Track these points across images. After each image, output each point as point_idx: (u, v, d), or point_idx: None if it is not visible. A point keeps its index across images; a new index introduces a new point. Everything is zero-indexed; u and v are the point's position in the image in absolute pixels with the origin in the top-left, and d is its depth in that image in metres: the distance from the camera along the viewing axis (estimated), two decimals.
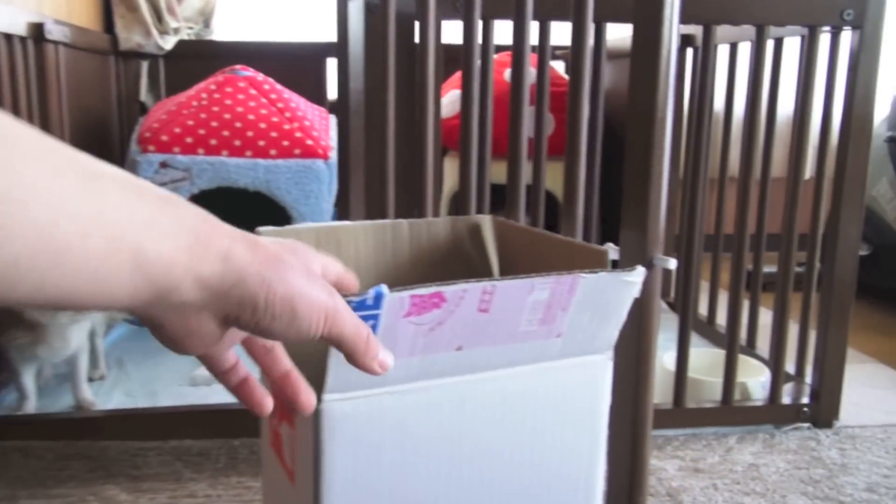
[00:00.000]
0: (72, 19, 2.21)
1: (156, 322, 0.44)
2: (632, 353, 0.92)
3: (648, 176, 0.88)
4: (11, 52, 1.62)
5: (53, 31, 1.82)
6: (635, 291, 0.64)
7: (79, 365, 1.48)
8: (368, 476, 0.60)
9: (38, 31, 1.75)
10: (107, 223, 0.38)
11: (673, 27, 0.89)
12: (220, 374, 0.51)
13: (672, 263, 0.87)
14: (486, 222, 0.87)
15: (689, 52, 2.07)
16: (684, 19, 1.63)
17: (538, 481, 0.67)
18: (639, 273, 0.63)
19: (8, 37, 1.60)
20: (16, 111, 1.59)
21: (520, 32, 1.11)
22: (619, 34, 2.15)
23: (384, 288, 0.53)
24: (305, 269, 0.46)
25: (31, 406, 1.43)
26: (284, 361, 0.53)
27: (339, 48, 1.31)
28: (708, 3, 1.32)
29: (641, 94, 0.89)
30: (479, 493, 0.65)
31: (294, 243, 0.50)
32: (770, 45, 1.51)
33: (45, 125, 1.81)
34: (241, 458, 1.28)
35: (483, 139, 1.33)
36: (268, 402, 0.52)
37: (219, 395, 1.55)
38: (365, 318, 0.52)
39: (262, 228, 0.77)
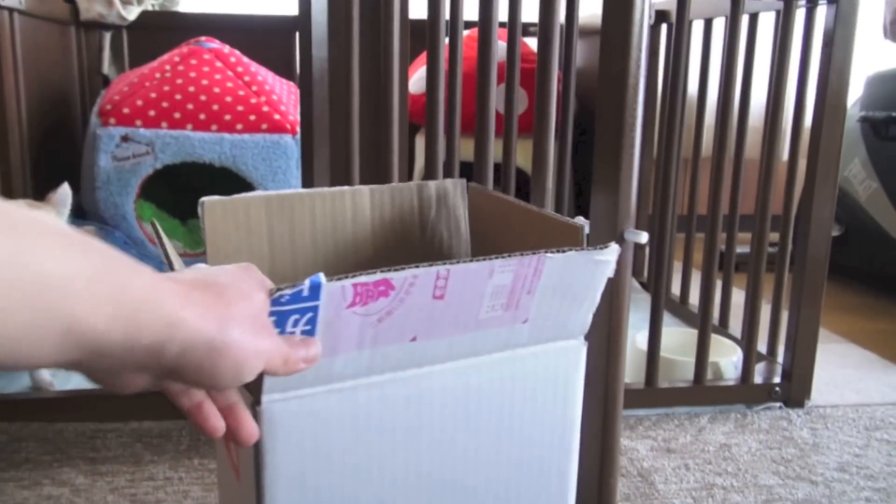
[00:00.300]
0: None
1: (82, 370, 0.41)
2: (602, 332, 0.90)
3: (619, 147, 0.85)
4: None
5: (9, 0, 1.75)
6: (609, 271, 0.61)
7: None
8: (316, 476, 0.56)
9: None
10: (37, 293, 0.36)
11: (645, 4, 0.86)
12: (171, 396, 0.49)
13: (644, 237, 0.85)
14: (458, 188, 0.83)
15: (664, 28, 2.04)
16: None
17: (507, 477, 0.64)
18: (612, 251, 0.60)
19: None
20: None
21: (487, 6, 1.07)
22: (591, 11, 2.12)
23: (321, 277, 0.49)
24: (252, 315, 0.45)
25: None
26: (231, 395, 0.50)
27: (302, 14, 1.27)
28: None
29: (613, 63, 0.86)
30: (441, 492, 0.61)
31: (246, 271, 0.48)
32: (745, 20, 1.49)
33: (1, 96, 1.74)
34: (204, 441, 1.24)
35: (452, 115, 1.29)
36: (220, 426, 0.49)
37: None
38: (301, 311, 0.49)
39: (207, 199, 0.73)
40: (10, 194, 1.75)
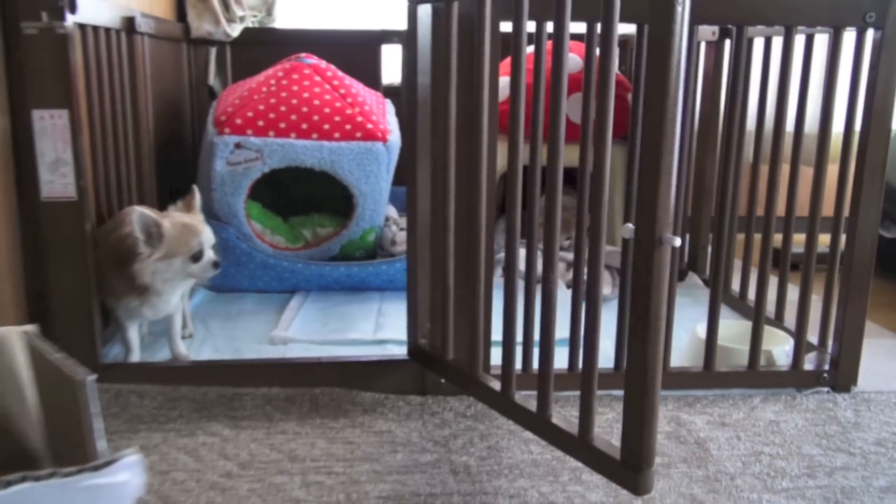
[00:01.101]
0: (152, 10, 2.40)
1: None
2: (642, 321, 1.04)
3: (658, 160, 1.00)
4: (109, 43, 1.80)
5: (142, 24, 2.01)
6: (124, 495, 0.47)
7: (174, 323, 1.68)
8: None
9: (129, 24, 1.94)
10: None
11: (683, 28, 1.01)
12: None
13: (677, 241, 1.00)
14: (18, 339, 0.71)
15: (727, 43, 2.19)
16: (719, 20, 1.76)
17: None
18: (121, 469, 0.44)
19: (107, 30, 1.78)
20: (112, 97, 1.78)
21: (560, 30, 1.25)
22: None
23: None
24: None
25: (135, 357, 1.64)
26: None
27: (408, 46, 1.49)
28: (740, 5, 1.46)
29: (653, 88, 1.01)
30: None
31: None
32: (801, 40, 1.64)
33: (135, 109, 2.00)
34: (322, 405, 1.47)
35: (535, 124, 1.48)
36: None
37: (296, 351, 1.75)
38: None
39: None
40: (143, 197, 2.03)
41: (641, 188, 1.03)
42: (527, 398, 1.29)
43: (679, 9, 0.97)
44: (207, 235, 1.56)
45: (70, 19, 1.37)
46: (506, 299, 1.34)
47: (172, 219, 1.53)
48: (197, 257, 1.53)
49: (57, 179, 1.41)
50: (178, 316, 1.70)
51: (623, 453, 1.09)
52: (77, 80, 1.41)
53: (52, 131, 1.39)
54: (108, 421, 1.41)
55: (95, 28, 1.64)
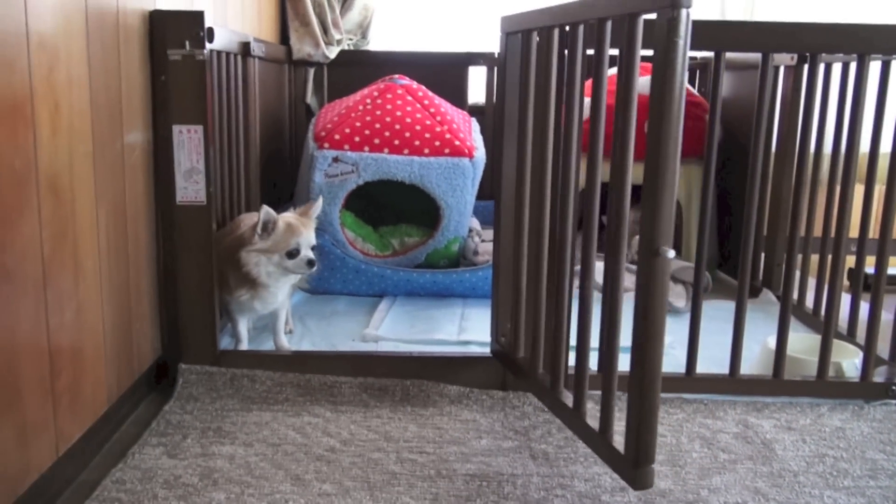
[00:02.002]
0: (262, 35, 2.63)
1: None
2: (640, 330, 1.13)
3: (658, 180, 1.08)
4: (227, 66, 2.01)
5: (255, 48, 2.23)
6: None
7: (279, 318, 1.87)
8: None
9: (245, 48, 2.15)
10: None
11: (685, 59, 1.10)
12: None
13: (671, 253, 1.08)
14: None
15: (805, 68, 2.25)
16: (794, 48, 1.85)
17: None
18: None
19: (228, 55, 1.99)
20: (228, 113, 1.99)
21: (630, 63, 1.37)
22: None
23: None
24: None
25: (244, 347, 1.83)
26: None
27: (500, 71, 1.63)
28: (815, 35, 1.54)
29: (656, 112, 1.09)
30: None
31: None
32: (876, 66, 1.71)
33: (247, 125, 2.21)
34: (413, 395, 1.62)
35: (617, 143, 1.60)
36: None
37: (386, 349, 1.91)
38: None
39: None
40: (250, 205, 2.23)
41: (644, 205, 1.11)
42: (568, 396, 1.39)
43: (681, 42, 1.07)
44: (307, 237, 1.73)
45: (207, 47, 1.57)
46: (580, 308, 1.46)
47: (284, 219, 1.71)
48: (293, 254, 1.70)
49: (190, 186, 1.61)
50: (282, 312, 1.88)
51: (626, 450, 1.17)
52: (210, 100, 1.61)
53: (188, 144, 1.59)
54: (225, 400, 1.60)
55: (219, 53, 1.85)
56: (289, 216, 1.74)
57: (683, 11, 1.05)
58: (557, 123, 1.58)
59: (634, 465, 1.16)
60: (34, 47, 1.16)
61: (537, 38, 1.52)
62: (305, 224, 1.75)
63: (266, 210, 1.66)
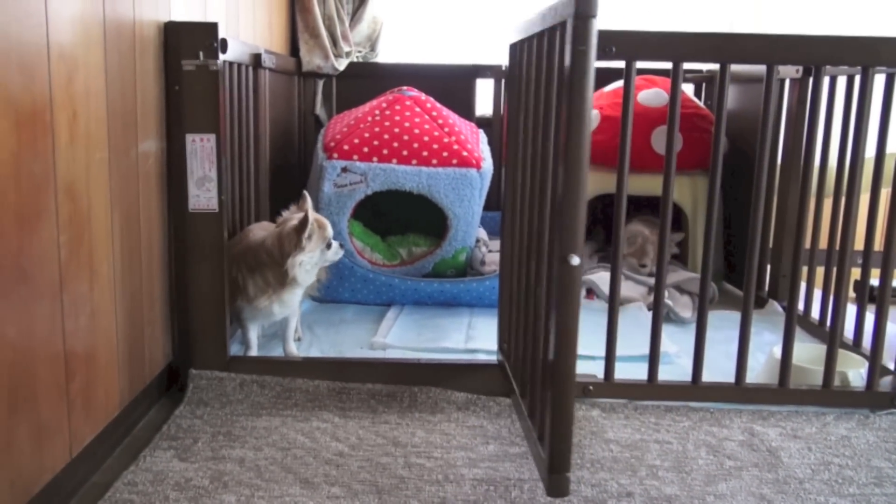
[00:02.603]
0: (272, 47, 2.67)
1: None
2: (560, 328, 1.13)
3: (568, 190, 1.10)
4: (239, 77, 2.04)
5: (266, 60, 2.26)
6: None
7: (289, 325, 1.89)
8: None
9: (257, 60, 2.18)
10: None
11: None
12: None
13: (575, 260, 1.10)
14: None
15: (810, 81, 2.27)
16: (799, 60, 1.86)
17: None
18: None
19: (239, 66, 2.02)
20: (240, 123, 2.02)
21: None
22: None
23: None
24: None
25: (254, 354, 1.85)
26: None
27: (509, 84, 1.66)
28: (820, 47, 1.57)
29: (566, 122, 1.10)
30: None
31: None
32: (881, 78, 1.73)
33: (257, 134, 2.24)
34: (420, 401, 1.64)
35: (623, 154, 1.62)
36: None
37: (395, 355, 1.92)
38: None
39: None
40: (259, 213, 2.25)
41: (557, 214, 1.12)
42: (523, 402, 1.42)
43: (584, 51, 1.07)
44: (329, 227, 1.84)
45: (221, 58, 1.60)
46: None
47: (310, 217, 1.76)
48: (329, 244, 1.81)
49: (202, 194, 1.63)
50: (293, 319, 1.90)
51: (546, 456, 1.19)
52: (223, 109, 1.63)
53: (200, 152, 1.62)
54: (234, 405, 1.61)
55: (232, 64, 1.88)
56: (310, 213, 1.77)
57: (590, 21, 1.06)
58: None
59: (549, 471, 1.17)
60: (54, 57, 1.18)
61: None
62: (318, 216, 1.83)
63: (309, 219, 1.73)
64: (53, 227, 1.20)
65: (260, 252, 1.74)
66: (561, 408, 1.15)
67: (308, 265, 1.76)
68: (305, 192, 1.88)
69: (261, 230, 1.92)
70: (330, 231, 1.82)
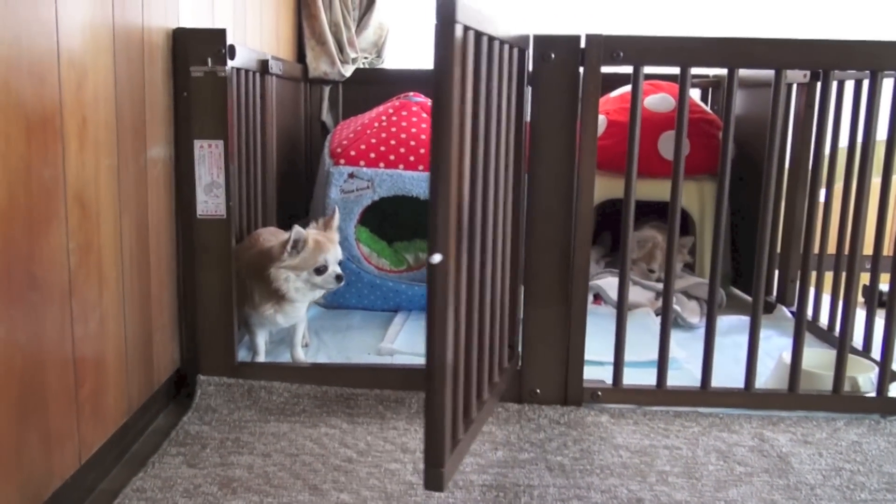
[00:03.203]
0: (279, 54, 2.67)
1: None
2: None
3: (435, 191, 1.06)
4: (247, 83, 2.04)
5: (273, 66, 2.26)
6: None
7: (297, 331, 1.88)
8: None
9: (264, 66, 2.19)
10: None
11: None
12: None
13: (435, 259, 1.06)
14: None
15: (818, 85, 2.27)
16: (807, 65, 1.86)
17: None
18: None
19: (246, 72, 2.03)
20: (247, 130, 2.02)
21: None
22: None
23: None
24: None
25: (261, 360, 1.85)
26: None
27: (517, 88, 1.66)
28: (828, 51, 1.56)
29: (435, 123, 1.05)
30: None
31: None
32: (890, 83, 1.73)
33: (264, 140, 2.24)
34: None
35: (631, 159, 1.62)
36: None
37: (403, 361, 1.92)
38: None
39: None
40: (267, 219, 2.26)
41: (429, 211, 1.08)
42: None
43: (444, 53, 1.04)
44: (334, 253, 1.76)
45: (229, 64, 1.61)
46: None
47: (311, 235, 1.74)
48: (321, 270, 1.73)
49: (210, 200, 1.63)
50: (301, 326, 1.90)
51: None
52: (231, 115, 1.64)
53: (208, 158, 1.62)
54: (243, 411, 1.61)
55: (239, 71, 1.88)
56: (314, 233, 1.77)
57: (452, 26, 1.05)
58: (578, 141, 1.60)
59: (427, 465, 1.15)
60: (64, 64, 1.19)
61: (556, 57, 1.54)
62: (331, 239, 1.78)
63: (297, 229, 1.69)
64: (63, 233, 1.21)
65: (265, 259, 1.74)
66: (432, 405, 1.13)
67: (297, 283, 1.73)
68: (336, 208, 1.90)
69: (270, 235, 1.93)
70: (325, 257, 1.73)
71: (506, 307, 1.52)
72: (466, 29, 1.12)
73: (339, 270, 1.76)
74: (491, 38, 1.25)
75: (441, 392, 1.13)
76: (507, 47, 1.37)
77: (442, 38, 1.04)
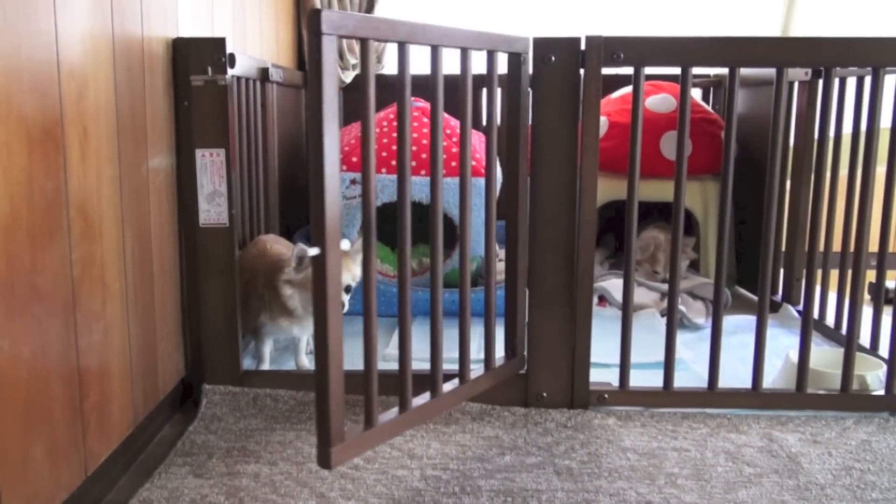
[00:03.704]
0: (279, 61, 2.68)
1: None
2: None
3: (314, 188, 1.15)
4: (247, 91, 2.04)
5: (273, 74, 2.26)
6: None
7: (302, 339, 1.88)
8: None
9: (264, 74, 2.19)
10: None
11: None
12: None
13: (313, 251, 1.16)
14: None
15: (820, 83, 2.26)
16: (809, 63, 1.86)
17: None
18: None
19: (246, 80, 2.03)
20: (248, 138, 2.02)
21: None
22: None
23: None
24: None
25: (266, 367, 1.84)
26: None
27: (511, 91, 1.66)
28: (830, 48, 1.56)
29: (309, 123, 1.17)
30: None
31: None
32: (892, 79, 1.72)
33: (265, 148, 2.24)
34: None
35: (633, 160, 1.61)
36: None
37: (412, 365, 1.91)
38: None
39: None
40: (269, 226, 2.25)
41: (311, 205, 1.18)
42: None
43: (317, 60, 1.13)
44: (345, 277, 1.73)
45: (229, 72, 1.60)
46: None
47: None
48: None
49: (213, 208, 1.63)
50: (306, 332, 1.89)
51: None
52: (231, 124, 1.64)
53: (210, 167, 1.62)
54: (248, 420, 1.61)
55: (240, 79, 1.88)
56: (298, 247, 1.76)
57: (320, 38, 1.13)
58: (580, 144, 1.60)
59: (320, 445, 1.23)
60: (64, 75, 1.19)
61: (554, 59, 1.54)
62: (346, 264, 1.75)
63: (300, 247, 1.69)
64: (66, 244, 1.20)
65: (279, 269, 1.74)
66: (322, 389, 1.23)
67: (302, 300, 1.72)
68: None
69: (276, 243, 1.92)
70: None
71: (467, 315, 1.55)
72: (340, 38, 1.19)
73: (344, 297, 1.74)
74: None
75: (326, 376, 1.22)
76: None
77: (312, 52, 1.14)
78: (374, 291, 1.32)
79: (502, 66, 1.69)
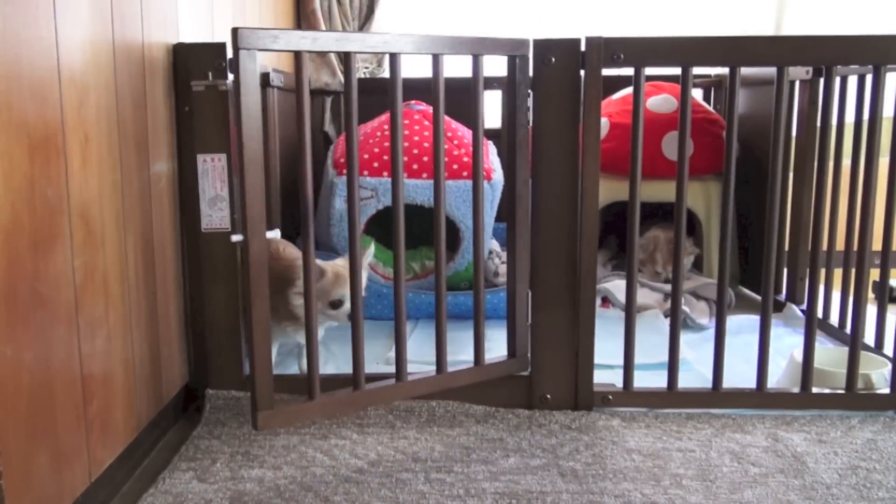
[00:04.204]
0: (280, 66, 2.68)
1: None
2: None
3: (242, 180, 1.32)
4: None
5: (274, 79, 2.26)
6: None
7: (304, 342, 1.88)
8: None
9: (265, 79, 2.19)
10: None
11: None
12: None
13: (235, 238, 1.35)
14: None
15: (821, 81, 2.26)
16: (810, 61, 1.85)
17: None
18: None
19: None
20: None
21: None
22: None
23: None
24: None
25: None
26: None
27: (509, 92, 1.66)
28: (830, 47, 1.55)
29: (234, 117, 1.36)
30: None
31: None
32: (894, 76, 1.71)
33: (267, 154, 2.24)
34: (439, 415, 1.62)
35: (634, 161, 1.61)
36: None
37: (411, 369, 1.90)
38: None
39: None
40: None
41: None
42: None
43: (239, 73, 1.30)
44: (337, 291, 1.74)
45: (230, 77, 1.61)
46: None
47: (334, 268, 1.73)
48: (336, 305, 1.74)
49: (215, 213, 1.63)
50: None
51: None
52: (233, 129, 1.64)
53: (212, 172, 1.62)
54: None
55: None
56: (340, 265, 1.76)
57: (242, 52, 1.31)
58: (582, 145, 1.59)
59: (252, 409, 1.39)
60: (65, 81, 1.19)
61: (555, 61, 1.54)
62: (339, 280, 1.75)
63: (320, 264, 1.70)
64: (68, 250, 1.21)
65: (292, 274, 1.74)
66: (251, 360, 1.39)
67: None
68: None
69: (288, 246, 1.93)
70: (342, 293, 1.73)
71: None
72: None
73: (336, 311, 1.75)
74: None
75: (253, 351, 1.38)
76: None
77: (235, 66, 1.32)
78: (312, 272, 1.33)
79: (502, 69, 1.70)
